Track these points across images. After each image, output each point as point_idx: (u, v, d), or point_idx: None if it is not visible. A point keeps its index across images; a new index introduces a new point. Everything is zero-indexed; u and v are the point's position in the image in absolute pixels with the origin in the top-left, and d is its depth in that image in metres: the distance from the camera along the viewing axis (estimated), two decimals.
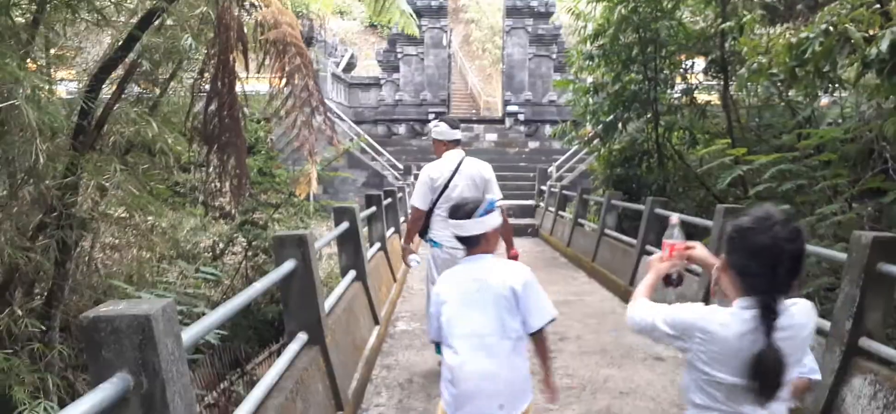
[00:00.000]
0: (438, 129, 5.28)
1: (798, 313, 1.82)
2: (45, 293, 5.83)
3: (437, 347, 5.53)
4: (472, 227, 2.76)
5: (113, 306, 1.92)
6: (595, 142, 12.34)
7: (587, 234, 12.16)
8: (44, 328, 5.43)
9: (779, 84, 7.97)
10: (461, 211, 2.79)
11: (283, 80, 6.12)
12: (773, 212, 1.82)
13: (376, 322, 6.26)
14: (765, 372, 1.73)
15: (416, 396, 4.97)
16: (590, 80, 12.08)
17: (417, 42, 25.83)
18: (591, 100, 11.68)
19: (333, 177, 13.07)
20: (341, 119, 22.34)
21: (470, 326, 2.65)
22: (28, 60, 5.16)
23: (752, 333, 1.75)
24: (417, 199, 5.10)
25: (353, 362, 4.96)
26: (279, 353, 6.65)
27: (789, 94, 8.77)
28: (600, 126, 11.49)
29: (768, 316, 1.74)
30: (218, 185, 6.41)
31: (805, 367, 2.33)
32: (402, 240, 6.04)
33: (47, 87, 5.14)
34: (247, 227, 7.44)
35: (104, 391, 1.76)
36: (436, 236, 5.11)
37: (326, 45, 25.25)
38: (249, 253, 7.48)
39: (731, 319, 1.80)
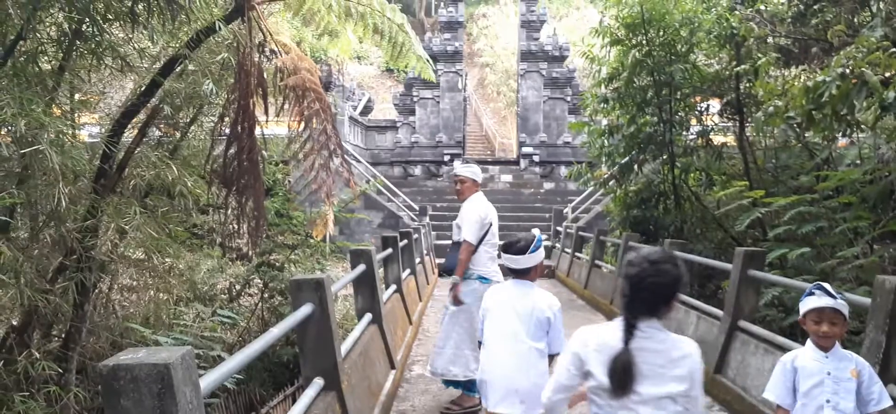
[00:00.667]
0: (471, 170, 5.57)
1: (671, 342, 2.24)
2: (63, 335, 5.87)
3: (465, 386, 5.49)
4: (526, 261, 3.36)
5: (132, 354, 1.92)
6: (611, 183, 12.32)
7: (604, 275, 12.05)
8: (61, 370, 5.45)
9: (796, 127, 7.94)
10: (515, 247, 3.36)
11: (302, 125, 6.20)
12: (650, 252, 2.28)
13: (392, 366, 6.20)
14: (617, 370, 2.17)
15: None
16: (605, 122, 12.12)
17: (433, 86, 26.14)
18: (606, 142, 11.70)
19: (350, 218, 13.13)
20: (358, 161, 22.53)
21: (510, 330, 3.26)
22: (53, 106, 5.28)
23: (618, 342, 2.20)
24: (472, 235, 5.40)
25: (369, 408, 4.91)
26: (294, 396, 6.61)
27: (806, 136, 8.73)
28: (616, 167, 11.48)
29: (628, 329, 2.20)
30: (236, 226, 6.46)
31: (873, 397, 2.95)
32: (433, 274, 6.15)
33: (71, 131, 5.25)
34: (263, 268, 7.47)
35: None
36: (484, 272, 5.46)
37: (344, 89, 25.62)
38: (266, 294, 7.49)
39: (608, 331, 2.29)
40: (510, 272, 3.44)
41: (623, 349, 2.18)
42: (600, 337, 2.29)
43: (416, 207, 22.08)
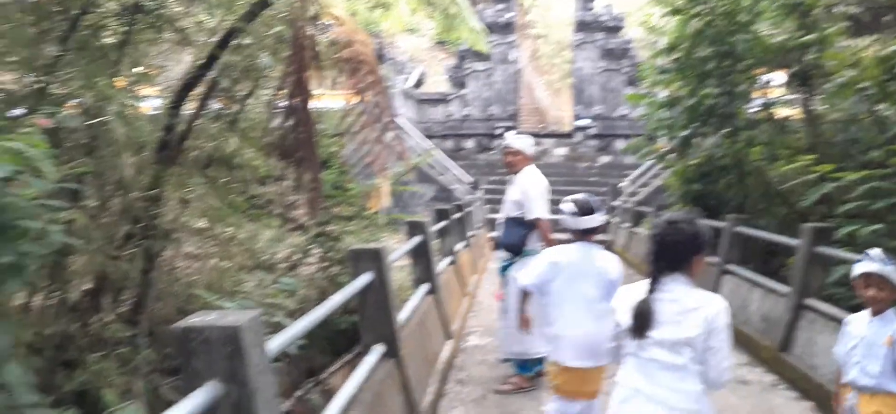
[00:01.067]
0: (524, 142, 5.47)
1: (691, 295, 2.57)
2: (132, 300, 6.11)
3: (525, 366, 5.47)
4: (593, 221, 3.66)
5: (203, 317, 1.98)
6: (670, 157, 12.00)
7: None
8: (130, 333, 5.69)
9: (868, 98, 7.54)
10: (585, 207, 3.66)
11: (356, 98, 6.24)
12: (671, 214, 2.68)
13: (448, 336, 6.25)
14: (638, 315, 2.57)
15: (490, 413, 4.93)
16: (664, 94, 11.78)
17: (485, 58, 25.91)
18: (665, 114, 11.38)
19: (403, 191, 13.22)
20: (411, 134, 22.62)
21: (581, 291, 3.56)
22: (117, 79, 5.45)
23: (643, 293, 2.61)
24: (544, 210, 5.33)
25: (426, 376, 4.98)
26: (351, 363, 6.74)
27: (879, 108, 8.28)
28: (676, 140, 11.17)
29: (652, 282, 2.60)
30: (293, 198, 6.58)
31: None
32: (486, 247, 6.09)
33: (134, 104, 5.41)
34: (321, 238, 7.60)
35: (197, 399, 1.82)
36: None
37: (396, 62, 25.66)
38: (325, 264, 7.63)
39: (638, 286, 2.69)
40: (574, 234, 3.69)
41: (645, 298, 2.58)
42: (632, 291, 2.68)
43: (469, 181, 22.05)
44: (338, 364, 6.40)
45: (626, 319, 2.64)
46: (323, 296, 7.16)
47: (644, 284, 2.64)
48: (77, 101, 4.98)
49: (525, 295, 3.91)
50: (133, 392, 5.21)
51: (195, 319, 1.96)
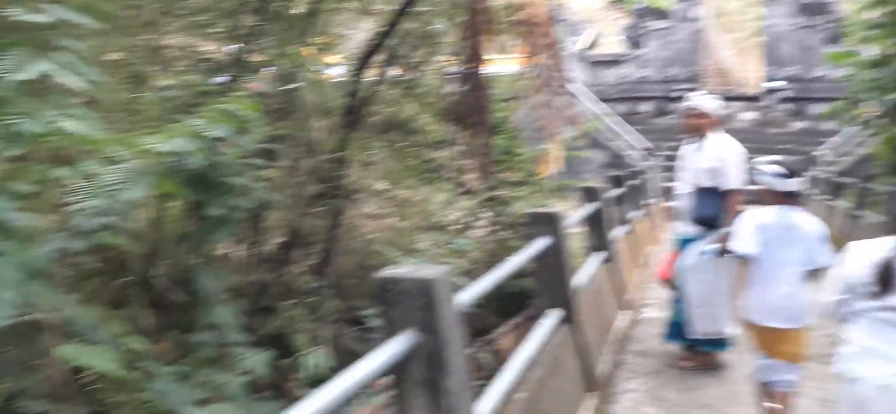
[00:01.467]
0: (712, 102, 5.06)
1: None
2: (319, 254, 6.61)
3: (711, 344, 5.16)
4: (796, 185, 3.63)
5: (398, 269, 2.08)
6: (879, 122, 10.58)
7: (865, 227, 10.53)
8: (318, 285, 6.16)
9: None
10: (791, 169, 3.64)
11: (529, 61, 6.17)
12: None
13: (623, 307, 6.08)
14: (881, 274, 2.55)
15: (669, 387, 4.73)
16: (873, 51, 10.36)
17: (665, 15, 24.46)
18: (874, 74, 10.01)
19: (573, 156, 12.96)
20: (583, 98, 22.06)
21: (782, 255, 3.55)
22: (305, 48, 5.82)
23: (885, 252, 2.58)
24: (741, 178, 4.95)
25: (601, 345, 4.89)
26: (520, 327, 6.79)
27: None
28: (886, 104, 9.82)
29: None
30: (465, 162, 6.69)
31: None
32: (661, 217, 5.79)
33: (321, 71, 5.77)
34: (491, 203, 7.68)
35: (395, 346, 1.93)
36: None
37: (570, 23, 25.06)
38: (495, 228, 7.73)
39: (877, 244, 2.65)
40: (775, 197, 3.64)
41: (888, 257, 2.55)
42: (867, 248, 2.67)
43: (644, 147, 21.11)
44: (506, 326, 6.47)
45: (862, 277, 2.62)
46: (492, 259, 7.25)
47: (883, 243, 2.61)
48: (272, 68, 5.42)
49: (742, 263, 3.71)
50: (320, 338, 5.64)
51: (392, 271, 2.07)
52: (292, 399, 5.13)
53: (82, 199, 2.40)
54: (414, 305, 1.99)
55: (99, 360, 2.63)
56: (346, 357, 6.52)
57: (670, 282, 5.42)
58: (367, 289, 7.16)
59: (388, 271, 2.08)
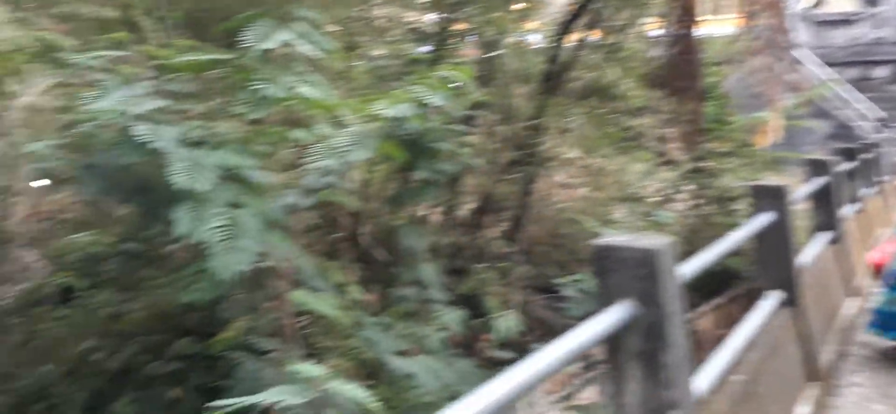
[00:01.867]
0: None
1: None
2: (511, 220, 6.68)
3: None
4: None
5: (617, 237, 2.04)
6: None
7: None
8: (509, 250, 6.25)
9: None
10: None
11: (748, 22, 5.65)
12: None
13: (851, 293, 5.46)
14: None
15: None
16: None
17: None
18: None
19: (793, 126, 11.73)
20: (807, 62, 19.85)
21: None
22: (507, 14, 5.82)
23: None
24: None
25: (825, 332, 4.45)
26: (720, 308, 6.36)
27: None
28: None
29: None
30: (667, 130, 6.35)
31: None
32: None
33: (523, 37, 5.75)
34: (695, 174, 7.23)
35: (613, 315, 1.90)
36: None
37: None
38: (697, 202, 7.28)
39: None
40: None
41: None
42: None
43: (878, 117, 18.57)
44: (707, 306, 6.09)
45: None
46: (692, 235, 6.84)
47: None
48: (475, 36, 5.51)
49: None
50: (510, 302, 5.73)
51: (612, 239, 2.03)
52: (483, 359, 5.29)
53: (314, 160, 2.64)
54: (634, 274, 1.93)
55: (325, 305, 2.89)
56: (534, 323, 6.58)
57: (882, 271, 4.82)
58: (556, 257, 7.13)
59: (607, 239, 2.04)
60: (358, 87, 4.65)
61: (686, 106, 5.79)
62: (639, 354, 1.96)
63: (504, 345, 5.13)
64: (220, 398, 2.42)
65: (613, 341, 1.97)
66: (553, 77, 5.76)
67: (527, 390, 1.50)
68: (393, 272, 5.41)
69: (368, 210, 5.40)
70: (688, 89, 5.72)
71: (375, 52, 5.43)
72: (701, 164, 7.21)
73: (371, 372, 3.79)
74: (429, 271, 3.93)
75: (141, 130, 2.52)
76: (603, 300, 1.97)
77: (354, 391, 2.15)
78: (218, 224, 2.54)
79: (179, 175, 2.45)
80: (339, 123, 2.90)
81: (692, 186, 7.50)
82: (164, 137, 2.53)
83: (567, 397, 4.62)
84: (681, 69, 5.66)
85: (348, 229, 5.62)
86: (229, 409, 2.15)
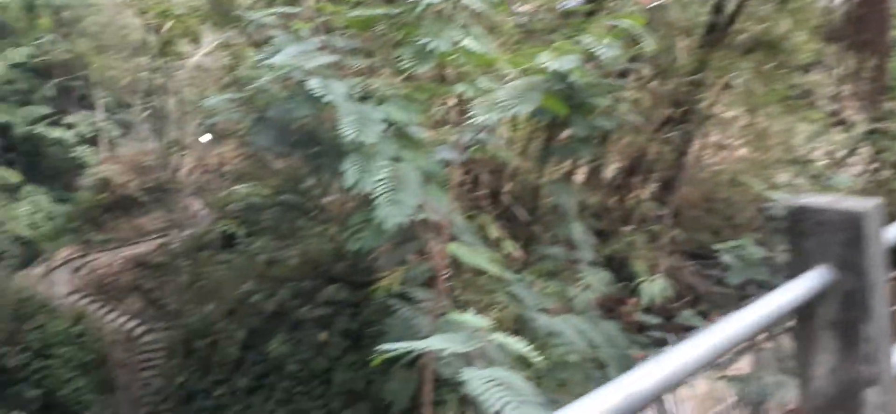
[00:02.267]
0: None
1: None
2: (662, 181, 6.37)
3: None
4: None
5: (817, 199, 1.90)
6: None
7: None
8: (659, 213, 5.99)
9: None
10: None
11: None
12: None
13: None
14: None
15: None
16: None
17: None
18: None
19: None
20: None
21: None
22: None
23: None
24: None
25: None
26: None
27: None
28: None
29: None
30: (843, 88, 5.75)
31: None
32: None
33: None
34: (874, 136, 6.50)
35: (806, 282, 1.76)
36: None
37: None
38: (875, 166, 6.58)
39: None
40: None
41: None
42: None
43: None
44: None
45: None
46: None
47: None
48: None
49: None
50: (658, 267, 5.50)
51: (809, 200, 1.88)
52: (627, 322, 5.14)
53: (475, 114, 2.64)
54: (834, 239, 1.76)
55: (480, 258, 2.92)
56: (683, 290, 6.28)
57: None
58: (710, 222, 6.73)
59: (804, 200, 1.88)
60: (508, 42, 4.58)
61: (869, 61, 5.17)
62: (834, 324, 1.80)
63: (649, 309, 4.96)
64: (363, 344, 2.53)
65: (806, 310, 1.82)
66: (717, 29, 5.36)
67: (713, 359, 1.42)
68: (534, 230, 5.36)
69: (511, 167, 5.37)
70: (872, 42, 5.11)
71: (525, 7, 5.32)
72: (882, 125, 6.47)
73: (516, 329, 3.79)
74: (578, 230, 3.84)
75: (314, 85, 2.63)
76: (795, 266, 1.82)
77: (516, 345, 2.15)
78: (383, 176, 2.62)
79: (349, 128, 2.55)
80: (497, 77, 2.87)
81: (869, 149, 6.78)
82: (335, 92, 2.63)
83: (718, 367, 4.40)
84: (865, 20, 5.06)
85: (491, 186, 5.63)
86: (391, 353, 2.23)
